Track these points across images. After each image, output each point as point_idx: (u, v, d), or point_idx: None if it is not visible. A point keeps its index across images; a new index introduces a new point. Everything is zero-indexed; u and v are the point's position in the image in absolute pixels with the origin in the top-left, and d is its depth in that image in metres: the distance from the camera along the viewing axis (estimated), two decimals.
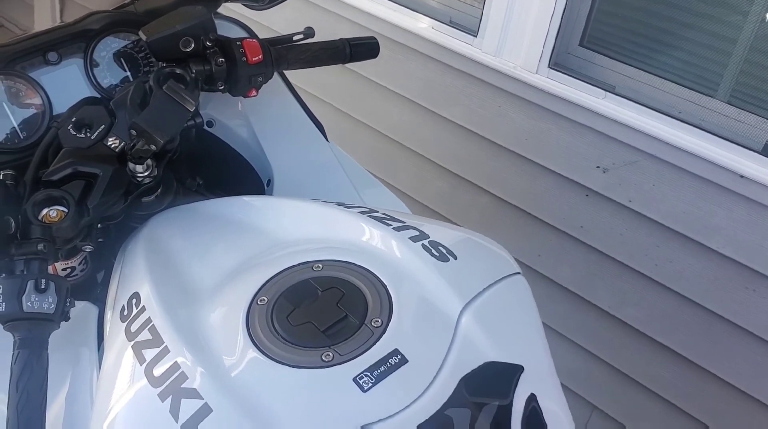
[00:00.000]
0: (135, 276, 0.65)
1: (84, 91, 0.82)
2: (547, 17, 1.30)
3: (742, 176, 1.15)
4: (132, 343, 0.56)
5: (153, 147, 0.68)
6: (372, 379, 0.50)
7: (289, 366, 0.51)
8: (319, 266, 0.60)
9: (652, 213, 1.30)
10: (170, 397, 0.50)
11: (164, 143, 0.68)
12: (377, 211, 0.69)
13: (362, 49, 0.93)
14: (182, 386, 0.50)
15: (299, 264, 0.61)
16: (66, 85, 0.81)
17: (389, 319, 0.54)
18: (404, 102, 1.62)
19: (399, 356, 0.51)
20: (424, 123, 1.61)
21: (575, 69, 1.34)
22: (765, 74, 1.16)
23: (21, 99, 0.79)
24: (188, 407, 0.49)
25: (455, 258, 0.61)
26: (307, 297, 0.57)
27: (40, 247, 0.62)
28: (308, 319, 0.55)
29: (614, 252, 1.38)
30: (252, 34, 0.93)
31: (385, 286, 0.58)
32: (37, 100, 0.79)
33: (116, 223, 0.77)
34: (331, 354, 0.52)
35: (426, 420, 0.48)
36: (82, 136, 0.72)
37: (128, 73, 0.85)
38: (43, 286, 0.59)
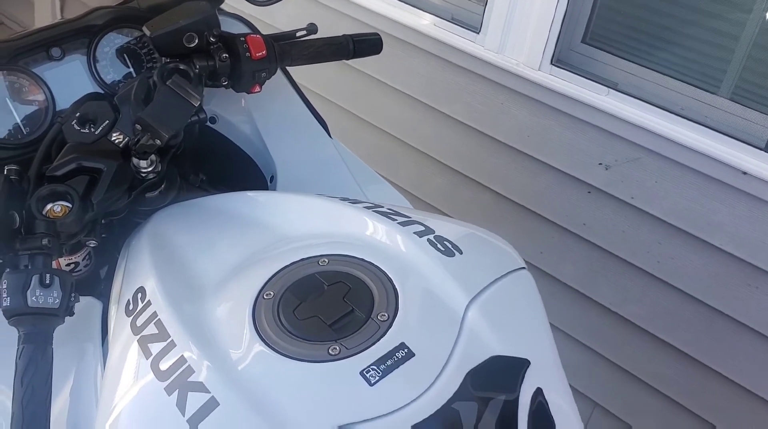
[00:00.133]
0: (140, 271, 0.65)
1: (87, 86, 0.82)
2: (550, 14, 1.30)
3: (744, 173, 1.15)
4: (138, 337, 0.56)
5: (158, 142, 0.68)
6: (379, 373, 0.50)
7: (296, 360, 0.51)
8: (324, 261, 0.60)
9: (655, 210, 1.30)
10: (177, 390, 0.50)
11: (169, 138, 0.68)
12: (382, 206, 0.69)
13: (365, 45, 0.93)
14: (189, 380, 0.50)
15: (305, 258, 0.61)
16: (69, 80, 0.81)
17: (395, 314, 0.55)
18: (406, 99, 1.62)
19: (405, 350, 0.51)
20: (425, 120, 1.61)
21: (578, 66, 1.34)
22: None
23: (24, 94, 0.79)
24: (195, 401, 0.49)
25: (461, 253, 0.61)
26: (314, 291, 0.57)
27: (45, 242, 0.62)
28: (315, 313, 0.55)
29: (616, 249, 1.38)
30: (255, 30, 0.93)
31: (391, 281, 0.58)
32: (40, 96, 0.79)
33: (120, 218, 0.77)
34: (337, 348, 0.52)
35: (433, 414, 0.48)
36: (86, 131, 0.72)
37: (131, 69, 0.85)
38: (47, 281, 0.59)
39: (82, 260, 0.79)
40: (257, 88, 0.86)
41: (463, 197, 1.61)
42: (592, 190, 1.38)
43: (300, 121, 0.97)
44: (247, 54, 0.81)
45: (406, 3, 1.53)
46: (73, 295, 0.61)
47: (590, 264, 1.43)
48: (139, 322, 0.57)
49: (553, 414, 0.53)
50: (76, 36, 0.82)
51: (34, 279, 0.59)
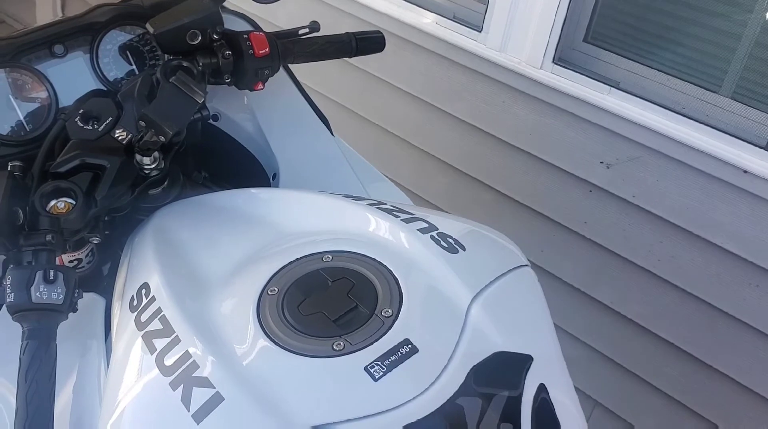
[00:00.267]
0: (144, 267, 0.65)
1: (90, 83, 0.82)
2: (552, 12, 1.30)
3: (745, 172, 1.15)
4: (142, 332, 0.56)
5: (162, 138, 0.68)
6: (383, 368, 0.50)
7: (301, 355, 0.51)
8: (328, 257, 0.60)
9: (656, 208, 1.30)
10: (182, 385, 0.50)
11: (172, 135, 0.68)
12: (385, 203, 0.69)
13: (368, 43, 0.93)
14: (194, 375, 0.50)
15: (309, 255, 0.61)
16: (72, 77, 0.81)
17: (399, 310, 0.55)
18: (407, 97, 1.62)
19: (410, 346, 0.52)
20: (427, 118, 1.61)
21: (579, 64, 1.34)
22: None
23: (27, 91, 0.79)
24: (200, 396, 0.49)
25: (464, 249, 0.62)
26: (318, 287, 0.57)
27: (48, 238, 0.62)
28: (319, 309, 0.55)
29: (618, 247, 1.38)
30: (258, 28, 0.93)
31: (394, 277, 0.58)
32: (43, 93, 0.79)
33: (123, 215, 0.77)
34: (342, 343, 0.52)
35: (437, 409, 0.48)
36: (90, 128, 0.72)
37: (134, 67, 0.85)
38: (51, 277, 0.60)
39: (85, 257, 0.79)
40: (260, 86, 0.86)
41: (465, 196, 1.61)
42: (594, 189, 1.38)
43: (302, 119, 0.97)
44: (251, 51, 0.81)
45: (409, 1, 1.53)
46: (76, 291, 0.61)
47: (591, 262, 1.43)
48: (144, 317, 0.58)
49: (556, 410, 0.53)
50: (79, 33, 0.83)
51: (38, 275, 0.59)
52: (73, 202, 0.66)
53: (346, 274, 0.58)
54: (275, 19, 1.65)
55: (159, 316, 0.56)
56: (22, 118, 0.78)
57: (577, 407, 0.57)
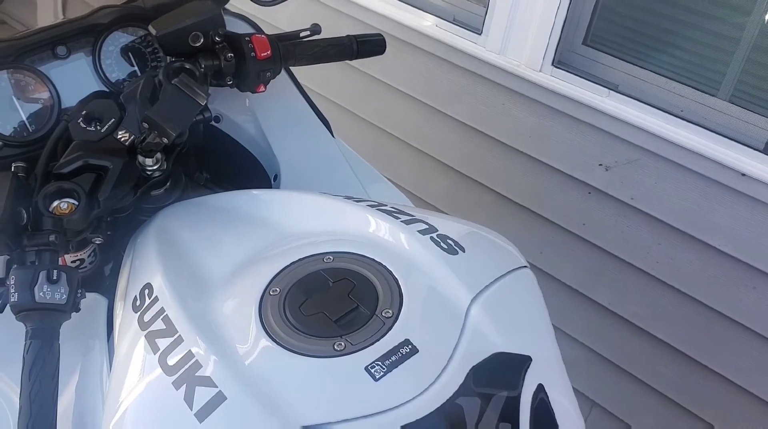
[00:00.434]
0: (147, 267, 0.65)
1: (92, 85, 0.83)
2: (551, 16, 1.31)
3: (743, 174, 1.16)
4: (145, 332, 0.56)
5: (164, 140, 0.69)
6: (383, 368, 0.50)
7: (302, 355, 0.52)
8: (329, 258, 0.61)
9: (654, 211, 1.30)
10: (184, 385, 0.50)
11: (175, 137, 0.69)
12: (386, 205, 0.70)
13: (369, 45, 0.94)
14: (196, 374, 0.51)
15: (310, 256, 0.61)
16: (74, 79, 0.82)
17: (400, 310, 0.55)
18: (408, 99, 1.63)
19: (410, 346, 0.52)
20: (427, 120, 1.61)
21: (579, 67, 1.35)
22: (767, 73, 1.17)
23: (30, 93, 0.80)
24: (202, 395, 0.49)
25: (463, 251, 0.62)
26: (319, 288, 0.58)
27: (52, 238, 0.63)
28: (320, 310, 0.55)
29: (616, 249, 1.39)
30: (259, 31, 0.94)
31: (395, 278, 0.58)
32: (46, 94, 0.80)
33: (125, 215, 0.77)
34: (343, 343, 0.52)
35: (437, 408, 0.49)
36: (92, 129, 0.72)
37: (136, 68, 0.86)
38: (54, 277, 0.60)
39: (88, 257, 0.80)
40: (262, 88, 0.87)
41: (465, 197, 1.62)
42: (592, 191, 1.39)
43: (303, 121, 0.98)
44: (252, 54, 0.82)
45: (409, 4, 1.54)
46: (79, 291, 0.62)
47: (590, 264, 1.44)
48: (147, 317, 0.58)
49: (554, 410, 0.54)
50: (81, 35, 0.83)
51: (42, 275, 0.60)
52: (76, 202, 0.66)
53: (347, 275, 0.59)
54: (276, 21, 1.66)
55: (162, 316, 0.57)
56: (25, 119, 0.78)
57: (575, 407, 0.58)
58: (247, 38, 0.83)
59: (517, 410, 0.51)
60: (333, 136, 1.01)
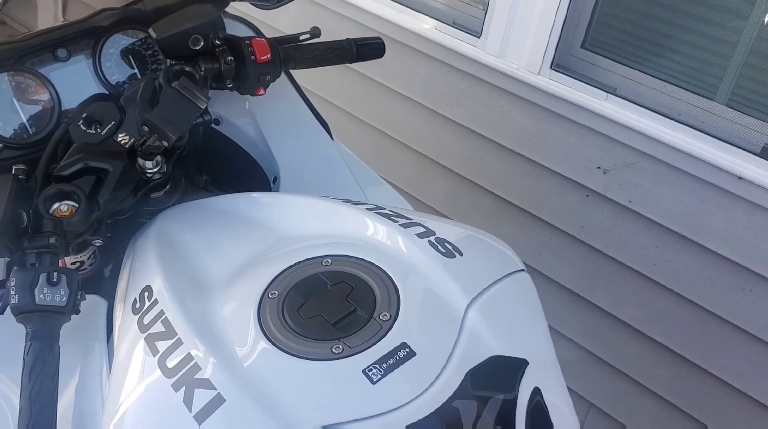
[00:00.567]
0: (146, 269, 0.66)
1: (92, 87, 0.83)
2: (550, 19, 1.31)
3: (740, 178, 1.17)
4: (145, 335, 0.57)
5: (164, 143, 0.69)
6: (381, 372, 0.51)
7: (300, 357, 0.52)
8: (328, 261, 0.61)
9: (652, 214, 1.31)
10: (184, 387, 0.51)
11: (175, 140, 0.69)
12: (384, 208, 0.70)
13: (368, 49, 0.94)
14: (195, 377, 0.51)
15: (309, 259, 0.62)
16: (74, 81, 0.82)
17: (397, 314, 0.56)
18: (407, 102, 1.63)
19: (407, 349, 0.53)
20: (426, 123, 1.62)
21: (577, 71, 1.35)
22: (764, 77, 1.18)
23: (30, 95, 0.80)
24: (201, 397, 0.50)
25: (461, 254, 0.63)
26: (317, 291, 0.58)
27: (52, 240, 0.63)
28: (318, 313, 0.56)
29: (614, 252, 1.39)
30: (259, 34, 0.94)
31: (392, 281, 0.59)
32: (46, 96, 0.80)
33: (125, 218, 0.78)
34: (341, 346, 0.53)
35: (433, 411, 0.49)
36: (93, 132, 0.73)
37: (136, 70, 0.86)
38: (54, 280, 0.61)
39: (87, 259, 0.80)
40: (261, 91, 0.87)
41: (464, 199, 1.63)
42: (591, 194, 1.39)
43: (302, 124, 0.99)
44: (252, 57, 0.82)
45: (409, 7, 1.55)
46: (79, 293, 0.62)
47: (587, 266, 1.45)
48: (146, 320, 0.58)
49: (550, 413, 0.54)
50: (81, 37, 0.83)
51: (42, 277, 0.60)
52: (76, 205, 0.67)
53: (345, 278, 0.59)
54: (277, 24, 1.67)
55: (161, 319, 0.57)
56: (25, 121, 0.79)
57: (570, 410, 0.58)
58: (247, 41, 0.83)
59: (513, 413, 0.52)
60: (332, 138, 1.01)
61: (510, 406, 0.52)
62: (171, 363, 0.53)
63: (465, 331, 0.55)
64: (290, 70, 0.96)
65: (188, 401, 0.50)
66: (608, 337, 1.47)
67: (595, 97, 1.30)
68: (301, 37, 0.91)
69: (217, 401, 0.49)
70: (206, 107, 0.76)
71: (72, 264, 0.79)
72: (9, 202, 0.63)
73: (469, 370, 0.52)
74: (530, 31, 1.35)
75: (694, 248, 1.27)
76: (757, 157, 1.15)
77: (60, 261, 0.65)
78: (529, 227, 1.51)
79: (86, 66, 0.83)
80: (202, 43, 0.80)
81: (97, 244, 0.75)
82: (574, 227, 1.44)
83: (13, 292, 0.59)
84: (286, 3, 0.97)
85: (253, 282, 0.60)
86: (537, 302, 0.64)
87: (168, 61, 0.82)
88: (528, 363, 0.55)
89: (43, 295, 0.60)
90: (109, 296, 0.73)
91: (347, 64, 0.96)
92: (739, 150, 1.17)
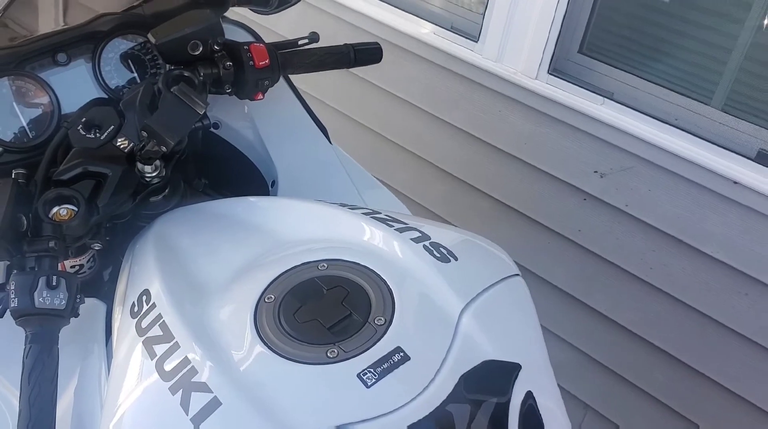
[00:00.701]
0: (145, 273, 0.66)
1: (92, 91, 0.83)
2: (547, 24, 1.32)
3: (735, 182, 1.17)
4: (143, 338, 0.58)
5: (163, 148, 0.70)
6: (375, 376, 0.51)
7: (296, 362, 0.53)
8: (324, 265, 0.62)
9: (648, 217, 1.32)
10: (181, 390, 0.51)
11: (173, 145, 0.70)
12: (380, 213, 0.71)
13: (366, 54, 0.95)
14: (192, 380, 0.52)
15: (305, 263, 0.62)
16: (74, 85, 0.83)
17: (392, 318, 0.56)
18: (406, 105, 1.64)
19: (401, 354, 0.53)
20: (425, 126, 1.63)
21: (574, 75, 1.36)
22: (759, 83, 1.19)
23: (30, 99, 0.81)
24: (198, 400, 0.50)
25: (456, 259, 0.63)
26: (313, 295, 0.59)
27: (51, 244, 0.64)
28: (314, 317, 0.56)
29: (611, 255, 1.40)
30: (258, 38, 0.95)
31: (388, 286, 0.59)
32: (46, 100, 0.81)
33: (124, 222, 0.78)
34: (336, 351, 0.53)
35: (427, 415, 0.50)
36: (92, 136, 0.73)
37: (135, 75, 0.87)
38: (54, 283, 0.61)
39: (87, 262, 0.81)
40: (260, 96, 0.88)
41: (462, 203, 1.63)
42: (588, 198, 1.40)
43: (301, 128, 0.99)
44: (251, 63, 0.83)
45: (407, 12, 1.56)
46: (78, 296, 0.63)
47: (585, 269, 1.45)
48: (144, 323, 0.59)
49: (542, 416, 0.55)
50: (81, 42, 0.84)
51: (41, 281, 0.61)
52: (76, 209, 0.67)
53: (341, 283, 0.60)
54: (277, 27, 1.67)
55: (159, 323, 0.58)
56: (25, 125, 0.79)
57: (562, 412, 0.59)
58: (245, 47, 0.84)
59: (506, 416, 0.53)
60: (330, 142, 1.02)
61: (503, 410, 0.53)
62: (168, 366, 0.54)
63: (459, 335, 0.56)
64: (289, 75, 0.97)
65: (185, 404, 0.50)
66: (605, 339, 1.47)
67: (591, 102, 1.31)
68: (300, 42, 0.92)
69: (214, 404, 0.50)
70: (205, 112, 0.77)
71: (71, 267, 0.80)
72: (9, 206, 0.64)
73: (463, 375, 0.53)
74: (528, 36, 1.35)
75: (690, 252, 1.28)
76: (753, 162, 1.16)
77: (59, 264, 0.65)
78: (527, 230, 1.52)
79: (86, 70, 0.84)
80: (201, 49, 0.81)
81: (97, 248, 0.75)
82: (571, 231, 1.44)
83: (12, 296, 0.60)
84: (285, 8, 0.98)
85: (250, 286, 0.61)
86: (531, 306, 0.64)
87: (167, 65, 0.83)
88: (521, 367, 0.56)
89: (43, 298, 0.60)
90: (109, 299, 0.73)
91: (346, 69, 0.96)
92: (735, 155, 1.17)
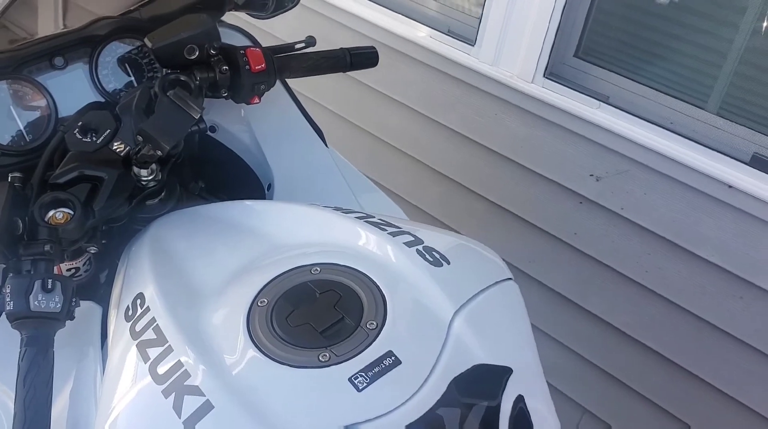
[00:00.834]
0: (139, 277, 0.67)
1: (89, 95, 0.84)
2: (543, 28, 1.33)
3: (730, 186, 1.18)
4: (137, 342, 0.58)
5: (159, 152, 0.70)
6: (367, 379, 0.52)
7: (288, 365, 0.53)
8: (317, 269, 0.62)
9: (644, 221, 1.32)
10: (173, 393, 0.52)
11: (169, 149, 0.70)
12: (374, 217, 0.71)
13: (362, 58, 0.96)
14: (185, 384, 0.52)
15: (298, 267, 0.63)
16: (71, 89, 0.83)
17: (384, 322, 0.57)
18: (402, 109, 1.65)
19: (393, 357, 0.54)
20: (421, 129, 1.63)
21: (570, 79, 1.36)
22: (754, 87, 1.19)
23: (27, 102, 0.81)
24: (191, 404, 0.51)
25: (448, 263, 0.63)
26: (306, 299, 0.59)
27: (47, 248, 0.64)
28: (306, 321, 0.57)
29: (606, 258, 1.40)
30: (255, 42, 0.96)
31: (380, 290, 0.60)
32: (43, 104, 0.81)
33: (120, 225, 0.79)
34: (327, 354, 0.54)
35: (418, 419, 0.50)
36: (88, 140, 0.74)
37: (132, 78, 0.87)
38: (49, 286, 0.61)
39: (83, 265, 0.81)
40: (256, 100, 0.88)
41: (458, 205, 1.64)
42: (584, 201, 1.40)
43: (297, 131, 1.00)
44: (247, 67, 0.84)
45: (404, 15, 1.56)
46: (74, 299, 0.63)
47: (580, 273, 1.46)
48: (138, 327, 0.60)
49: (532, 419, 0.55)
50: (78, 45, 0.84)
51: (37, 284, 0.61)
52: (72, 212, 0.68)
53: (334, 287, 0.60)
54: (274, 30, 1.68)
55: (153, 326, 0.58)
56: (22, 128, 0.80)
57: (552, 415, 0.59)
58: (242, 51, 0.84)
59: (497, 420, 0.53)
60: (326, 145, 1.02)
61: (494, 414, 0.53)
62: (161, 370, 0.54)
63: (450, 339, 0.56)
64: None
65: (178, 407, 0.51)
66: (600, 342, 1.48)
67: (587, 106, 1.32)
68: (296, 46, 0.93)
69: (206, 408, 0.50)
70: (201, 116, 0.77)
71: (67, 271, 0.80)
72: (5, 210, 0.64)
73: (454, 378, 0.53)
74: (524, 40, 1.36)
75: (685, 256, 1.29)
76: (747, 166, 1.17)
77: (55, 268, 0.66)
78: (523, 233, 1.52)
79: (83, 74, 0.84)
80: (197, 53, 0.81)
81: (92, 251, 0.76)
82: (567, 234, 1.45)
83: (8, 299, 0.60)
84: (281, 13, 0.99)
85: (244, 290, 0.61)
86: (523, 310, 0.65)
87: (164, 69, 0.84)
88: (512, 371, 0.56)
89: (38, 301, 0.61)
90: (104, 302, 0.74)
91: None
92: (730, 159, 1.18)
